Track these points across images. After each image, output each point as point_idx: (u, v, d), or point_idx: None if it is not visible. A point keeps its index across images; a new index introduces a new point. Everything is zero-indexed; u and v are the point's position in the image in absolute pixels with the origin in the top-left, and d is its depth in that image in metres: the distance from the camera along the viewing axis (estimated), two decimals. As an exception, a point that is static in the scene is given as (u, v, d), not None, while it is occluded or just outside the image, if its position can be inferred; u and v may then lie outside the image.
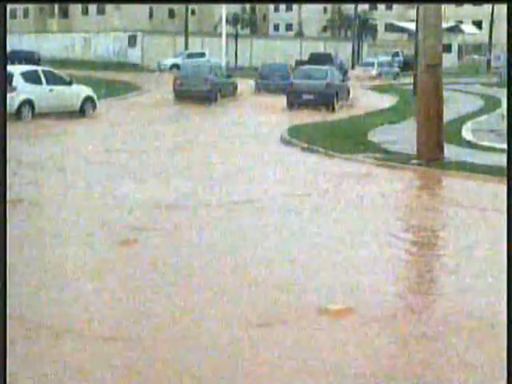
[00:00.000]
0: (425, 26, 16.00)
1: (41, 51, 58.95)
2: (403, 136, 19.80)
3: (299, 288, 7.57)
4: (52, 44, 68.06)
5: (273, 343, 6.17)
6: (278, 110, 29.13)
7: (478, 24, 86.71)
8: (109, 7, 76.14)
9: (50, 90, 23.45)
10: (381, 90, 43.27)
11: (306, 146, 18.43)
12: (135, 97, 34.74)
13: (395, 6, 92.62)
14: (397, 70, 59.08)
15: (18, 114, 21.87)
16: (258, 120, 25.41)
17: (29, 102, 22.44)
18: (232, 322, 6.57)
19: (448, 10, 79.09)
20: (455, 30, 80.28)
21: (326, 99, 29.69)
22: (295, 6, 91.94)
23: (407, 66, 59.38)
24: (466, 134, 21.34)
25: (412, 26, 54.66)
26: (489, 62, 76.07)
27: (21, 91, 22.22)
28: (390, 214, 11.41)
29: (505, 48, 36.39)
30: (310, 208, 11.60)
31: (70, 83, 24.73)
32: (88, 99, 24.96)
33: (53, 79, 24.07)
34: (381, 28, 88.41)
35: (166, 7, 78.27)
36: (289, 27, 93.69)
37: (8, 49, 35.44)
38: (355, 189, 13.36)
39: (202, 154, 17.16)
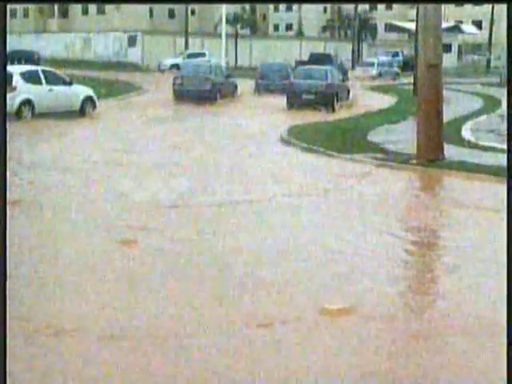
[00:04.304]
0: (425, 26, 16.00)
1: (41, 51, 58.86)
2: (403, 136, 19.80)
3: (299, 288, 7.57)
4: (52, 44, 68.05)
5: (273, 343, 6.17)
6: (278, 110, 29.12)
7: (478, 24, 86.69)
8: (109, 7, 76.10)
9: (50, 90, 23.44)
10: (381, 90, 43.25)
11: (305, 146, 18.43)
12: (135, 97, 34.73)
13: (395, 6, 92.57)
14: (397, 70, 59.07)
15: (17, 113, 21.85)
16: (258, 120, 25.41)
17: (29, 102, 22.43)
18: (232, 322, 6.57)
19: (448, 10, 79.18)
20: (455, 30, 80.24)
21: (326, 99, 29.67)
22: (295, 6, 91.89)
23: (407, 66, 59.38)
24: (466, 133, 21.35)
25: (412, 25, 54.65)
26: (489, 61, 76.09)
27: (21, 91, 22.21)
28: (390, 213, 11.40)
29: (505, 48, 36.36)
30: (309, 208, 11.60)
31: (69, 83, 24.72)
32: (88, 99, 24.94)
33: (53, 79, 24.05)
34: (381, 28, 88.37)
35: (165, 7, 78.23)
36: (289, 27, 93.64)
37: (8, 49, 35.41)
38: (355, 189, 13.37)
39: (202, 153, 17.15)
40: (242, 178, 14.04)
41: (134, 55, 63.84)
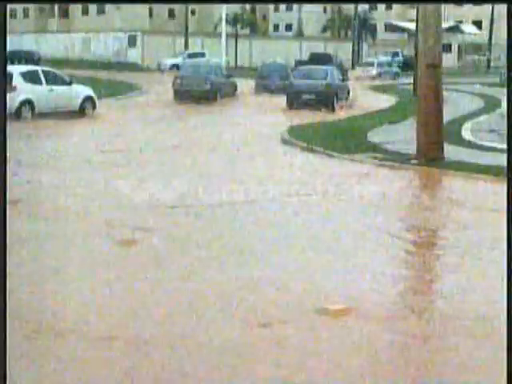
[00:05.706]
0: (425, 26, 16.01)
1: (41, 51, 58.93)
2: (403, 136, 19.79)
3: (299, 288, 7.57)
4: (52, 44, 68.07)
5: (273, 343, 6.16)
6: (278, 110, 29.12)
7: (478, 24, 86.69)
8: (109, 7, 76.06)
9: (50, 90, 23.45)
10: (380, 90, 43.26)
11: (305, 145, 18.43)
12: (135, 97, 34.75)
13: (395, 6, 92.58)
14: (397, 70, 59.10)
15: (17, 113, 21.87)
16: (258, 120, 25.41)
17: (28, 102, 22.45)
18: (232, 322, 6.57)
19: (448, 10, 79.12)
20: (455, 30, 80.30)
21: (326, 99, 29.68)
22: (295, 6, 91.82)
23: (407, 66, 59.42)
24: (466, 133, 21.35)
25: (412, 25, 54.67)
26: (489, 61, 76.12)
27: (21, 91, 22.22)
28: (390, 213, 11.41)
29: (505, 48, 36.37)
30: (309, 208, 11.59)
31: (69, 83, 24.74)
32: (88, 99, 24.96)
33: (53, 79, 24.07)
34: (381, 28, 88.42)
35: (165, 7, 78.23)
36: (289, 27, 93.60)
37: (8, 49, 35.40)
38: (355, 189, 13.36)
39: (202, 153, 17.15)
40: (242, 178, 14.03)
41: (133, 55, 63.88)
